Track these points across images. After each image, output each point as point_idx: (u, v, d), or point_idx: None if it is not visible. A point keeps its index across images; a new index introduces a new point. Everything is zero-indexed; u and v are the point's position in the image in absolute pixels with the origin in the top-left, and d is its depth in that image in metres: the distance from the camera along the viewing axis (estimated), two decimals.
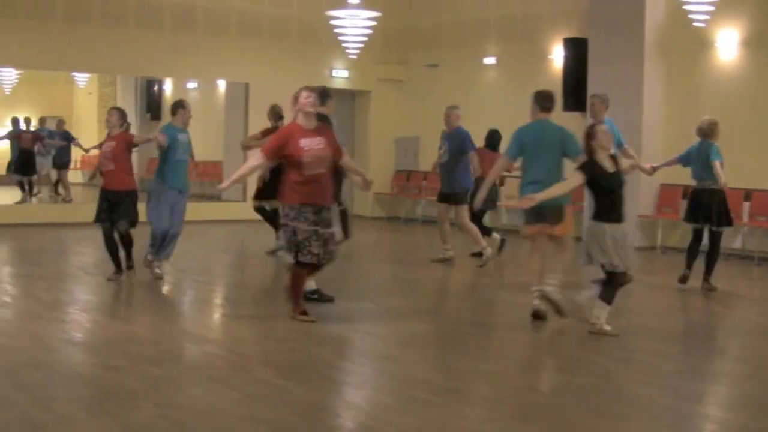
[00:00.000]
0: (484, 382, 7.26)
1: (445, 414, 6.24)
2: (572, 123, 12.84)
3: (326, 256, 8.74)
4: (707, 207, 11.18)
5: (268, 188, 13.15)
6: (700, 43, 15.16)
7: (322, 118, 9.27)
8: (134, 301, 10.25)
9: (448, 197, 13.17)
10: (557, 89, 16.76)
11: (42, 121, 21.72)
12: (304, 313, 8.94)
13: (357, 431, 5.80)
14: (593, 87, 14.99)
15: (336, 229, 8.82)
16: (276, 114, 13.71)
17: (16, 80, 23.38)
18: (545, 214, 9.20)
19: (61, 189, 20.78)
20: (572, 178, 8.70)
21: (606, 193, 8.52)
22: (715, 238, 11.38)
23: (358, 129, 21.15)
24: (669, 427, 6.16)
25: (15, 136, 20.36)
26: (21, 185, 20.07)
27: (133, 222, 11.10)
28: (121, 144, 11.04)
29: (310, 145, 8.64)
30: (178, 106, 11.64)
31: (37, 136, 20.57)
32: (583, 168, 8.61)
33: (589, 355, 8.18)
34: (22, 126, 20.66)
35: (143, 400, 6.38)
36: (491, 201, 14.29)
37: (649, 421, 6.18)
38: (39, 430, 5.76)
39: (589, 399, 6.73)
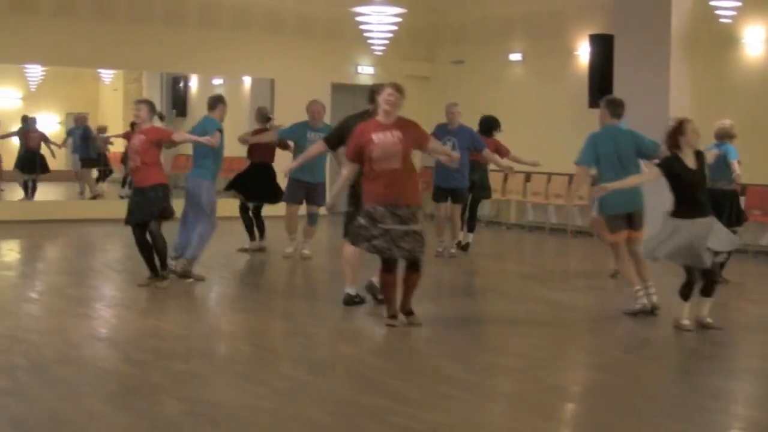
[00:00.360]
0: (510, 379, 7.25)
1: (472, 411, 6.24)
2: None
3: (396, 252, 8.51)
4: (720, 206, 11.23)
5: (243, 182, 13.74)
6: (726, 39, 15.06)
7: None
8: (160, 298, 10.26)
9: (449, 193, 13.34)
10: (583, 86, 16.73)
11: (77, 119, 21.67)
12: (392, 316, 8.77)
13: (383, 427, 5.78)
14: (619, 83, 14.95)
15: (416, 227, 8.55)
16: (263, 116, 14.04)
17: (42, 77, 23.46)
18: (634, 218, 9.31)
19: (83, 185, 20.74)
20: (650, 171, 8.73)
21: (686, 189, 8.49)
22: None
23: None
24: (697, 425, 6.11)
25: (23, 133, 20.38)
26: (25, 185, 19.98)
27: (164, 214, 10.42)
28: (151, 138, 10.35)
29: (383, 139, 8.53)
30: (219, 101, 11.37)
31: (43, 136, 20.51)
32: (663, 164, 8.63)
33: (616, 353, 8.15)
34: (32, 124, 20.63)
35: (169, 396, 6.40)
36: (487, 189, 14.49)
37: (676, 419, 6.13)
38: (65, 425, 5.78)
39: (615, 397, 6.70)
